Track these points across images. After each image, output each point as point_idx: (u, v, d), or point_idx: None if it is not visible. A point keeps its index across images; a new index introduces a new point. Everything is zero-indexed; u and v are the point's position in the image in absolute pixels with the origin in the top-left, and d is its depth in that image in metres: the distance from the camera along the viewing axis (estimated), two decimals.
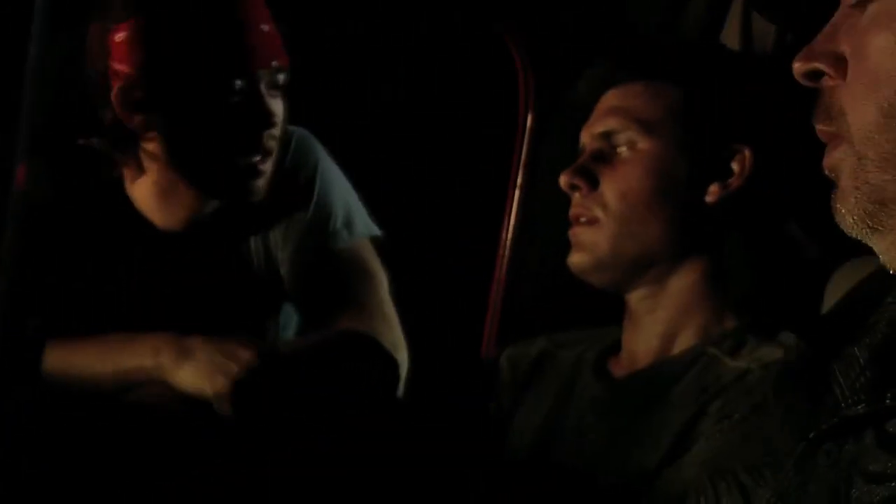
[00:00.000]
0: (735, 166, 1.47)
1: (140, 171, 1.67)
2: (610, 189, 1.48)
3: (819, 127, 0.93)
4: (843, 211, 0.90)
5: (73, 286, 1.65)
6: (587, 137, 1.54)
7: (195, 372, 1.54)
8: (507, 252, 2.00)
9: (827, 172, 0.92)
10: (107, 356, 1.59)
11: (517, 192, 2.00)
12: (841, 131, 0.90)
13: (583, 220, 1.50)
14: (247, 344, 1.57)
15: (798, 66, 0.93)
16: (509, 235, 2.01)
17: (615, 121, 1.50)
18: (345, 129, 2.14)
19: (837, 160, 0.90)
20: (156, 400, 1.57)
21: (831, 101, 0.91)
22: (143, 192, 1.69)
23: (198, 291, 1.70)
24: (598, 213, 1.49)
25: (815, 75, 0.92)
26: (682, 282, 1.48)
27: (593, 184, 1.49)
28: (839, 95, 0.90)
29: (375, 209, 1.83)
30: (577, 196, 1.51)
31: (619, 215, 1.47)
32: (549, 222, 1.58)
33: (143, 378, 1.57)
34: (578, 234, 1.51)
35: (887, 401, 0.88)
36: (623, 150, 1.49)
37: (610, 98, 1.53)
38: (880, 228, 0.88)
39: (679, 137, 1.47)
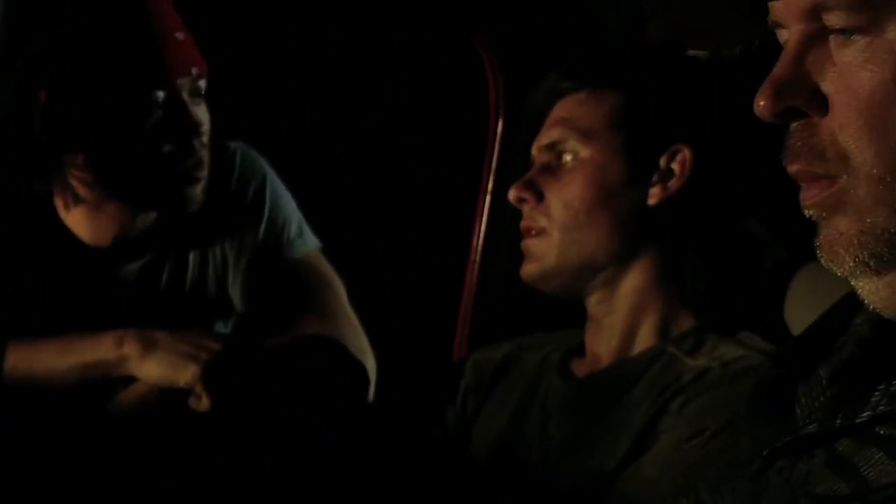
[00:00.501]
0: (675, 167, 1.47)
1: (68, 191, 1.66)
2: (554, 199, 1.50)
3: (798, 167, 0.86)
4: (842, 253, 0.85)
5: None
6: (536, 150, 1.56)
7: (162, 363, 1.54)
8: (478, 257, 2.01)
9: (812, 213, 0.87)
10: (69, 351, 1.59)
11: (488, 198, 2.01)
12: (836, 172, 0.84)
13: (532, 232, 1.52)
14: (209, 335, 1.57)
15: (766, 105, 0.86)
16: (480, 241, 2.01)
17: (558, 131, 1.52)
18: (317, 134, 2.15)
19: (833, 202, 0.85)
20: (137, 407, 1.57)
21: (819, 141, 0.85)
22: (75, 214, 1.68)
23: (130, 307, 1.69)
24: (545, 223, 1.50)
25: (788, 114, 0.86)
26: (633, 283, 1.49)
27: (539, 196, 1.51)
28: (830, 135, 0.84)
29: (347, 215, 1.84)
30: (526, 209, 1.53)
31: (563, 224, 1.49)
32: (520, 228, 1.59)
33: (106, 372, 1.57)
34: (528, 246, 1.53)
35: (837, 421, 0.87)
36: (568, 159, 1.50)
37: (557, 109, 1.55)
38: (882, 270, 0.85)
39: (619, 143, 1.48)
